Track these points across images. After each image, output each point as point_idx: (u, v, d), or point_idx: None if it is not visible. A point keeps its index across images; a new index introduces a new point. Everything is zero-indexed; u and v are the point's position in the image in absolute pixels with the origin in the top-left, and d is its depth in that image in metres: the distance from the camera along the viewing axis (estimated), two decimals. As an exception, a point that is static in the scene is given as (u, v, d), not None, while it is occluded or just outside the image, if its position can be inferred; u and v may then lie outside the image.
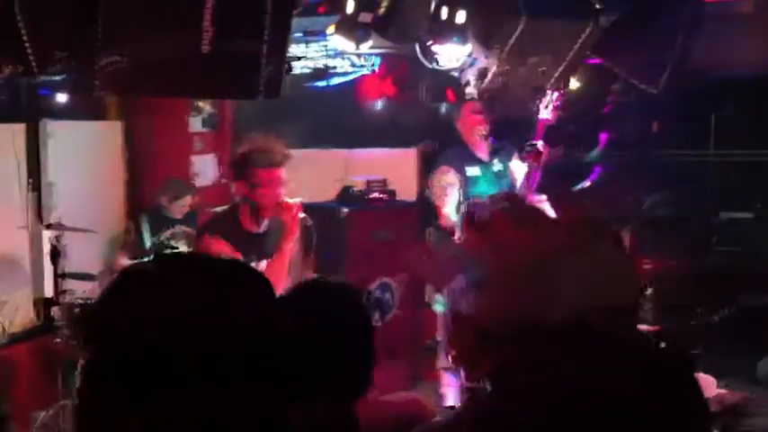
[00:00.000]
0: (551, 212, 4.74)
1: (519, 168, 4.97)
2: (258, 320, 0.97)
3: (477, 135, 4.86)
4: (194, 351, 0.92)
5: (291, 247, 3.55)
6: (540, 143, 4.69)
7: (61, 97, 6.14)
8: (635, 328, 1.34)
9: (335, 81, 6.23)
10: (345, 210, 5.41)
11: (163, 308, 0.94)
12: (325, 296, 1.89)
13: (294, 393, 1.76)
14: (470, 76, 3.94)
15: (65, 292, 4.83)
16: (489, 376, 1.33)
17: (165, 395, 0.91)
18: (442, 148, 5.45)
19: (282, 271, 3.51)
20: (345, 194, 5.61)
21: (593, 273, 1.27)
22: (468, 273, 1.30)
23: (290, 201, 3.55)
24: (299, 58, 5.67)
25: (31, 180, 5.16)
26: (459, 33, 3.86)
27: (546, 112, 4.69)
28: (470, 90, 4.60)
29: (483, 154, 4.93)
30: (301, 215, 3.56)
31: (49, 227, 4.87)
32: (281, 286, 3.49)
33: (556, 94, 4.62)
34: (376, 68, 6.32)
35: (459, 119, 4.97)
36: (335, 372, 1.78)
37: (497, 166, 4.97)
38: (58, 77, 5.28)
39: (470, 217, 1.37)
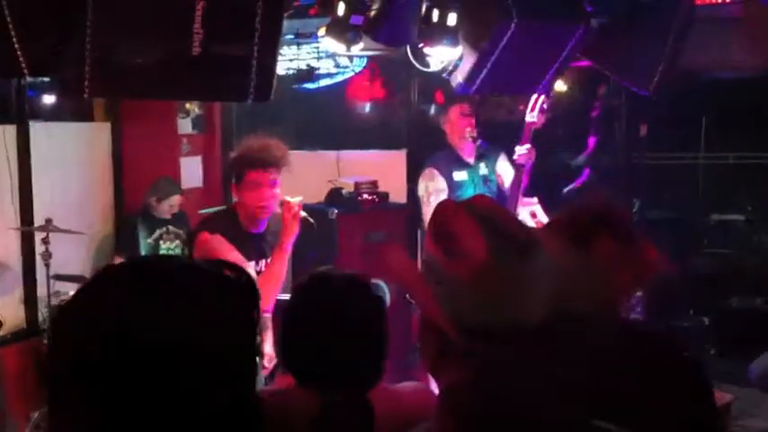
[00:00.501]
0: (542, 215, 4.76)
1: (505, 172, 4.97)
2: (222, 338, 0.95)
3: (466, 137, 4.86)
4: (152, 357, 0.91)
5: (291, 246, 3.55)
6: (527, 146, 4.70)
7: (50, 99, 6.12)
8: (598, 343, 1.29)
9: (324, 83, 6.22)
10: (336, 211, 5.40)
11: (122, 311, 0.93)
12: (338, 286, 1.90)
13: (311, 383, 1.78)
14: (460, 77, 3.94)
15: (57, 293, 4.82)
16: (441, 393, 1.32)
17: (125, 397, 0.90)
18: (430, 151, 5.45)
19: (282, 270, 3.51)
20: (336, 196, 5.61)
21: (551, 283, 1.24)
22: (432, 279, 1.28)
23: (291, 199, 3.55)
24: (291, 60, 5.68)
25: (20, 182, 5.13)
26: (450, 36, 3.86)
27: (533, 116, 4.70)
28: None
29: (469, 157, 4.93)
30: (303, 214, 3.56)
31: (38, 229, 4.86)
32: (280, 285, 3.49)
33: (543, 96, 4.63)
34: (360, 70, 6.31)
35: (446, 121, 4.96)
36: (351, 361, 1.79)
37: (483, 170, 4.97)
38: (46, 79, 5.29)
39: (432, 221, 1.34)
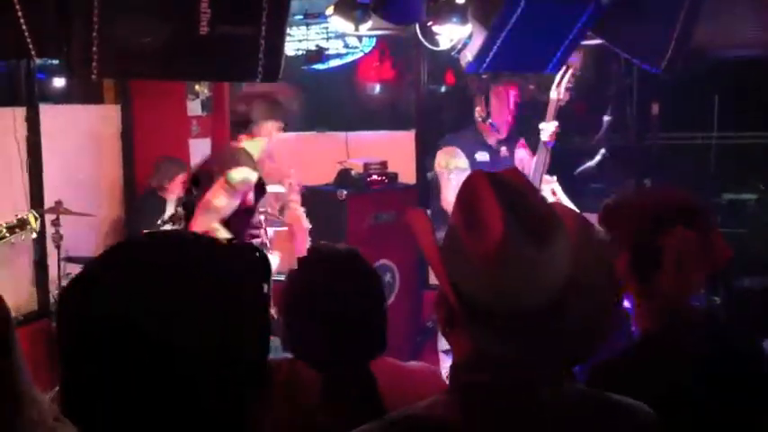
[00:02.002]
0: (561, 193, 4.72)
1: (525, 155, 4.91)
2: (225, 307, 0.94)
3: (508, 114, 4.75)
4: (149, 333, 0.90)
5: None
6: (555, 123, 4.62)
7: (59, 81, 6.13)
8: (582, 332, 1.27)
9: (333, 64, 6.19)
10: (345, 192, 5.39)
11: (127, 289, 0.92)
12: (335, 259, 1.91)
13: (313, 355, 1.79)
14: (469, 55, 3.90)
15: (68, 275, 4.84)
16: (452, 366, 1.32)
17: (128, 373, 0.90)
18: (439, 131, 5.41)
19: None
20: (345, 177, 5.59)
21: (563, 269, 1.23)
22: (451, 247, 1.28)
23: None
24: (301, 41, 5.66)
25: (30, 164, 5.15)
26: (459, 13, 3.82)
27: (558, 92, 4.60)
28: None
29: (492, 139, 4.85)
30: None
31: (48, 211, 4.87)
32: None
33: (569, 72, 4.54)
34: (368, 50, 6.28)
35: (493, 92, 4.78)
36: (351, 331, 1.80)
37: (504, 153, 4.91)
38: (56, 62, 5.28)
39: (460, 191, 1.34)
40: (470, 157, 4.76)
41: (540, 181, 4.61)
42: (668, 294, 1.82)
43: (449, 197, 4.66)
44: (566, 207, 1.40)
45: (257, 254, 1.01)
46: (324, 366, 1.81)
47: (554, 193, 4.67)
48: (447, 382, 1.86)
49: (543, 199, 1.31)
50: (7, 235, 3.97)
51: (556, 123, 4.60)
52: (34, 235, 4.14)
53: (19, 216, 4.04)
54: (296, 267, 1.94)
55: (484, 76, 4.67)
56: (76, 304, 0.94)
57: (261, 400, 0.97)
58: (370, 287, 1.90)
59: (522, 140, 5.00)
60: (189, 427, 0.91)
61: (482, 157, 4.78)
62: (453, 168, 4.73)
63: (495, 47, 3.85)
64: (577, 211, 4.22)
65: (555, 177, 4.70)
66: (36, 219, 4.10)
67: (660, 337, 1.83)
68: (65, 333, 0.94)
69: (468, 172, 4.63)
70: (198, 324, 0.91)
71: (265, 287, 1.00)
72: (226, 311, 0.93)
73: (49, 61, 5.24)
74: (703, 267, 1.87)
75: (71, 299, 0.94)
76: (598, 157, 6.89)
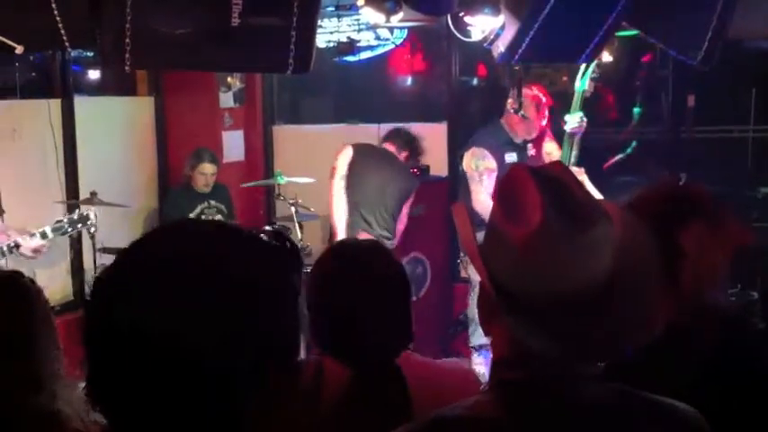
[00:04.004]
0: (590, 186, 4.67)
1: (553, 150, 4.87)
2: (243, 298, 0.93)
3: (541, 112, 4.72)
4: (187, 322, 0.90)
5: None
6: (580, 114, 4.57)
7: (94, 73, 6.20)
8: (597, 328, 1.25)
9: (364, 56, 6.18)
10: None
11: (156, 278, 0.92)
12: (355, 253, 1.89)
13: (336, 351, 1.78)
14: (501, 46, 3.87)
15: (103, 266, 4.88)
16: (492, 364, 1.31)
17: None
18: (471, 123, 5.37)
19: None
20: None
21: (605, 258, 1.21)
22: (490, 238, 1.27)
23: None
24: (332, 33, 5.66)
25: (65, 155, 5.21)
26: (492, 4, 3.79)
27: (583, 83, 4.57)
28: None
29: (520, 136, 4.81)
30: None
31: (84, 202, 4.93)
32: None
33: (593, 63, 4.50)
34: (400, 42, 6.26)
35: (524, 94, 4.74)
36: (378, 324, 1.79)
37: (531, 150, 4.87)
38: (90, 54, 5.34)
39: (501, 182, 1.33)
40: (498, 157, 4.72)
41: None
42: (685, 290, 1.80)
43: (481, 198, 4.63)
44: (612, 203, 1.38)
45: (287, 244, 1.00)
46: (348, 362, 1.80)
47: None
48: (479, 381, 1.85)
49: (586, 190, 1.28)
50: (69, 230, 4.14)
51: (581, 114, 4.56)
52: (93, 230, 4.31)
53: (80, 212, 4.27)
54: (317, 261, 1.93)
55: (516, 68, 4.63)
56: (95, 307, 0.94)
57: (283, 395, 0.96)
58: (389, 281, 1.87)
59: (549, 132, 4.95)
60: (199, 422, 0.91)
61: (510, 157, 4.75)
62: (483, 170, 4.71)
63: (528, 38, 3.81)
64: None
65: (582, 169, 4.65)
66: (96, 215, 4.32)
67: (674, 335, 1.82)
68: (86, 334, 0.94)
69: (496, 174, 4.60)
70: (211, 322, 0.90)
71: (297, 276, 0.99)
72: (242, 307, 0.92)
73: (84, 53, 5.29)
74: (717, 260, 1.84)
75: (91, 302, 0.95)
76: (629, 150, 6.81)
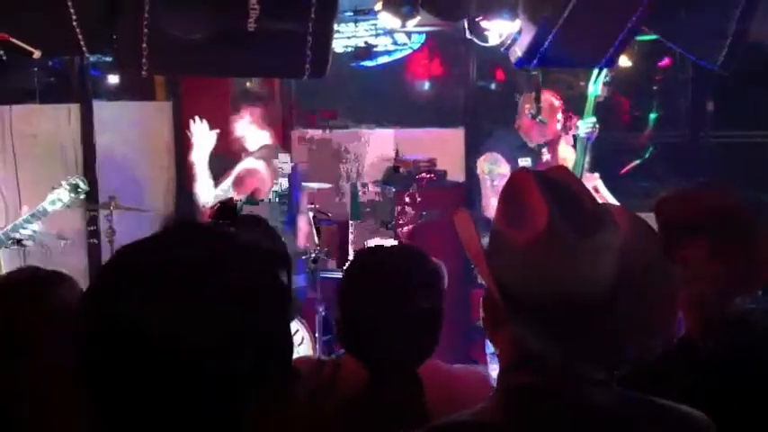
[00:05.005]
0: (605, 190, 4.64)
1: (568, 155, 4.84)
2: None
3: (557, 121, 4.70)
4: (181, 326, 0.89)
5: None
6: (593, 120, 4.56)
7: (112, 78, 6.23)
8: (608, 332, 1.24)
9: (382, 60, 6.18)
10: (393, 189, 5.37)
11: (150, 282, 0.91)
12: (394, 257, 1.88)
13: (364, 352, 1.77)
14: (519, 51, 3.85)
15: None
16: (499, 372, 1.30)
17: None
18: (488, 128, 5.35)
19: None
20: (393, 174, 5.58)
21: (611, 261, 1.19)
22: (494, 243, 1.26)
23: None
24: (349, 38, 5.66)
25: (84, 160, 5.24)
26: (509, 8, 3.78)
27: (597, 88, 4.55)
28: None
29: (535, 141, 4.79)
30: None
31: (102, 206, 4.95)
32: None
33: (605, 68, 4.47)
34: (417, 47, 6.25)
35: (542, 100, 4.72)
36: (405, 331, 1.77)
37: (545, 155, 4.84)
38: (109, 59, 5.37)
39: (504, 187, 1.32)
40: (512, 162, 4.70)
41: (581, 178, 4.53)
42: (700, 301, 1.78)
43: (492, 203, 4.61)
44: (617, 205, 1.36)
45: (277, 246, 0.99)
46: (369, 365, 1.78)
47: (596, 190, 4.60)
48: (494, 387, 1.83)
49: (591, 194, 1.27)
50: (63, 200, 4.07)
51: (593, 120, 4.53)
52: (83, 196, 4.24)
53: (69, 180, 4.14)
54: (349, 263, 1.92)
55: (534, 73, 4.61)
56: (94, 306, 0.94)
57: (281, 398, 0.96)
58: (422, 290, 1.85)
59: (564, 136, 4.92)
60: (199, 423, 0.91)
61: (524, 162, 4.71)
62: (496, 175, 4.70)
63: (546, 42, 3.79)
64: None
65: (597, 174, 4.62)
66: (84, 181, 4.21)
67: (688, 345, 1.80)
68: (86, 333, 0.93)
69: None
70: (211, 322, 0.90)
71: (284, 278, 0.98)
72: (242, 308, 0.92)
73: (103, 58, 5.32)
74: (738, 276, 1.80)
75: (90, 301, 0.94)
76: (646, 155, 6.76)
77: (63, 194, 4.08)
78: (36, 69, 5.15)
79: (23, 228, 3.91)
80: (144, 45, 2.87)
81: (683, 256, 1.74)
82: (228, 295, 0.91)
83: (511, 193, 1.26)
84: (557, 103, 4.74)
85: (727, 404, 1.64)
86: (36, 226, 3.96)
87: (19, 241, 3.95)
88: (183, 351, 0.88)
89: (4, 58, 2.76)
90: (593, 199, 1.26)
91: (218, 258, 0.94)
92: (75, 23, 2.74)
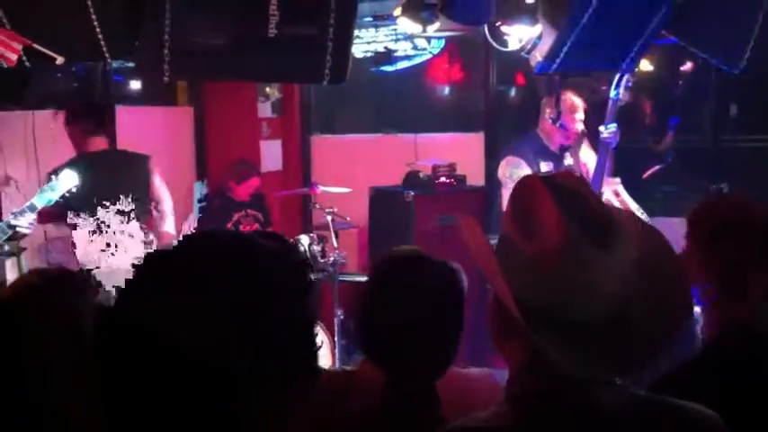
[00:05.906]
0: (626, 194, 4.61)
1: (589, 160, 4.81)
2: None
3: (578, 122, 4.68)
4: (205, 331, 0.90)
5: None
6: (614, 125, 4.52)
7: (134, 84, 6.29)
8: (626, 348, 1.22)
9: (401, 65, 6.19)
10: (412, 194, 5.37)
11: (176, 288, 0.92)
12: (417, 265, 1.86)
13: (378, 361, 1.77)
14: (539, 56, 3.84)
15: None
16: (509, 378, 1.30)
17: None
18: (508, 133, 5.32)
19: None
20: (413, 179, 5.58)
21: (626, 272, 1.19)
22: (505, 255, 1.25)
23: None
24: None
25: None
26: (529, 13, 3.77)
27: (618, 93, 4.52)
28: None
29: (556, 145, 4.77)
30: None
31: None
32: None
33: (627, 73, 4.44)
34: (437, 52, 6.25)
35: (561, 101, 4.71)
36: (422, 343, 1.77)
37: (568, 159, 4.82)
38: (131, 64, 5.42)
39: (512, 196, 1.31)
40: (534, 166, 4.67)
41: (602, 182, 4.51)
42: (727, 306, 1.77)
43: None
44: (629, 212, 1.36)
45: (301, 254, 1.00)
46: (387, 372, 1.78)
47: (617, 195, 4.57)
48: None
49: (602, 202, 1.26)
50: (57, 196, 3.97)
51: (615, 125, 4.50)
52: (75, 189, 4.14)
53: (60, 174, 3.99)
54: (372, 268, 1.91)
55: (554, 77, 4.60)
56: (100, 306, 0.95)
57: (296, 396, 0.97)
58: (442, 297, 1.84)
59: (586, 140, 4.89)
60: (203, 421, 0.91)
61: (546, 166, 4.69)
62: (517, 179, 4.65)
63: (566, 47, 3.78)
64: (641, 213, 4.07)
65: (618, 179, 4.59)
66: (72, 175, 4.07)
67: (715, 351, 1.79)
68: (91, 332, 0.95)
69: None
70: (214, 321, 0.91)
71: (305, 280, 0.99)
72: (244, 307, 0.93)
73: (125, 64, 5.37)
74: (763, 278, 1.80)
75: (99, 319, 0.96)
76: (669, 160, 6.71)
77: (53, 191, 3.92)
78: (59, 75, 5.21)
79: (22, 216, 3.86)
80: (165, 51, 2.89)
81: (722, 266, 1.76)
82: (229, 294, 0.92)
83: (522, 201, 1.25)
84: (577, 101, 4.70)
85: (760, 411, 1.63)
86: (32, 217, 3.89)
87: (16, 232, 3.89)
88: (186, 349, 0.89)
89: (28, 63, 2.80)
90: (602, 203, 1.26)
91: (222, 258, 0.95)
92: (97, 29, 2.77)
